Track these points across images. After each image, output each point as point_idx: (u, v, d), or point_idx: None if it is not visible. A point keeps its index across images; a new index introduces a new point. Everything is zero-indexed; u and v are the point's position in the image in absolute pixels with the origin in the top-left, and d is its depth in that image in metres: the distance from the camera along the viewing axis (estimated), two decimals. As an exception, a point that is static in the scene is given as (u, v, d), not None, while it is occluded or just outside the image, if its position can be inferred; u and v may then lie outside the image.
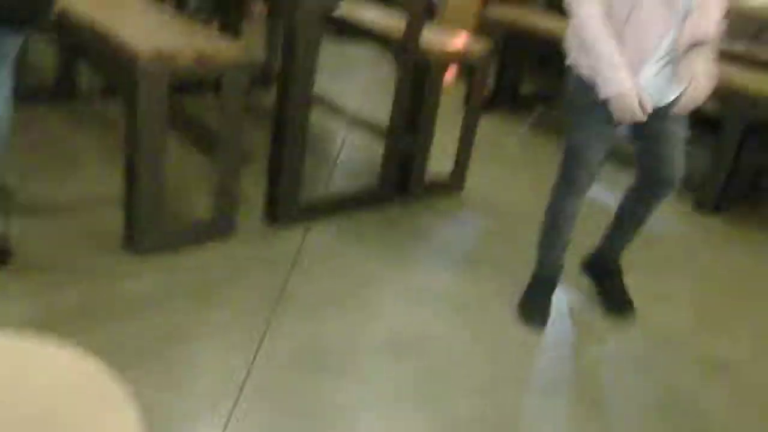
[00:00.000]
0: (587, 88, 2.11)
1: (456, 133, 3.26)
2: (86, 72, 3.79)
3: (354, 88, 4.83)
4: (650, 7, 2.01)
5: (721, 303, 2.80)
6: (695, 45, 2.09)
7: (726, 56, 4.15)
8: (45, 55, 3.70)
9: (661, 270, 2.97)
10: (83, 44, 3.14)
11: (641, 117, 2.05)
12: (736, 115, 3.45)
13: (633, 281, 2.60)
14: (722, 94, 3.49)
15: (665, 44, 2.07)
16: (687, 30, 2.06)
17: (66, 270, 2.27)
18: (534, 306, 2.44)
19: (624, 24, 2.03)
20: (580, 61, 2.16)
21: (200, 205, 2.68)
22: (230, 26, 3.95)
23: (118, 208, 2.43)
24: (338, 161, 3.56)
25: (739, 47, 5.06)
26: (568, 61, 2.21)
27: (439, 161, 3.25)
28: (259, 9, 6.05)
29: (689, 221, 3.52)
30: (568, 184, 2.28)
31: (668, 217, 3.55)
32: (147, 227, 2.35)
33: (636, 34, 2.03)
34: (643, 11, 2.01)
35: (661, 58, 2.10)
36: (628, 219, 2.44)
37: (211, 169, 2.52)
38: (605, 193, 3.25)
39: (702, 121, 4.50)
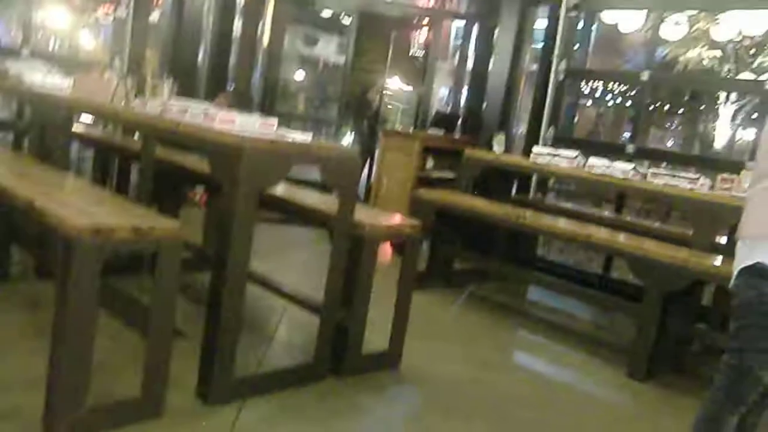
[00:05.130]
0: None
1: (392, 309, 3.31)
2: (18, 254, 3.77)
3: (293, 267, 4.91)
4: None
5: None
6: None
7: (642, 232, 4.50)
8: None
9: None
10: (18, 225, 3.16)
11: None
12: (655, 285, 3.65)
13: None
14: (641, 266, 3.73)
15: None
16: None
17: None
18: None
19: None
20: None
21: (129, 385, 2.57)
22: (168, 212, 4.04)
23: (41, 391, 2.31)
24: (274, 337, 3.53)
25: (652, 224, 5.49)
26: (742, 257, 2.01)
27: (376, 336, 3.27)
28: (198, 197, 6.24)
29: (623, 389, 3.57)
30: (736, 404, 2.01)
31: (603, 384, 3.59)
32: (67, 410, 2.23)
33: None
34: None
35: None
36: None
37: (142, 347, 2.47)
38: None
39: (624, 292, 4.74)
